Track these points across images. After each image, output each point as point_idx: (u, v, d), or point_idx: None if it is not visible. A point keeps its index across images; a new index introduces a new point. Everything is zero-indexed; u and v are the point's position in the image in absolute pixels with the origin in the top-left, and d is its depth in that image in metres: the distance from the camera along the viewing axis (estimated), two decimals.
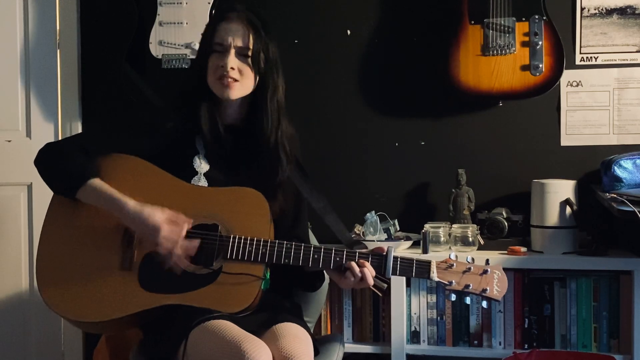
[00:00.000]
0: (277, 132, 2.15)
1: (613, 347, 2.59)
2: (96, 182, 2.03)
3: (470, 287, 1.98)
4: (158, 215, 1.97)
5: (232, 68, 2.09)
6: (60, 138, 3.19)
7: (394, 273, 2.00)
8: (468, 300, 2.01)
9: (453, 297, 2.01)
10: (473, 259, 2.03)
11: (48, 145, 2.11)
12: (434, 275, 1.99)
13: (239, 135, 2.18)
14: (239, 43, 2.10)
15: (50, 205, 2.11)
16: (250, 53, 2.11)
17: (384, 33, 3.01)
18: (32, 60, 3.20)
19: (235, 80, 2.09)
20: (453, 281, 1.99)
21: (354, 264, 1.99)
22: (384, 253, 2.01)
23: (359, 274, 1.98)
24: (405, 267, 2.00)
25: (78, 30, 3.21)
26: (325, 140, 3.04)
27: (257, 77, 2.14)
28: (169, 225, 1.97)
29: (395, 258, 2.00)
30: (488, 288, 1.99)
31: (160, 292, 1.99)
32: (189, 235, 2.00)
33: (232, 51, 2.10)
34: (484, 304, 2.01)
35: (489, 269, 2.00)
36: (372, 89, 3.03)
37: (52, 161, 2.07)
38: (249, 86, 2.13)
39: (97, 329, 2.19)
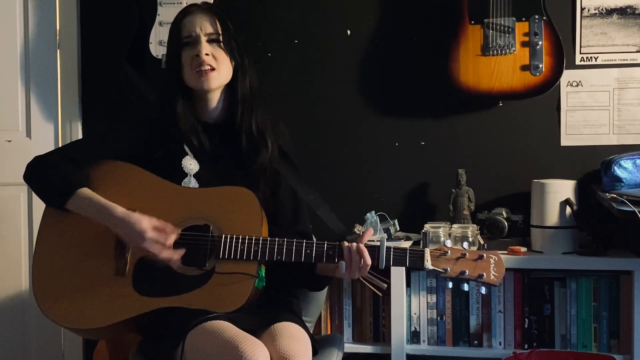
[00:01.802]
0: (251, 118, 2.16)
1: (613, 347, 2.59)
2: (84, 191, 2.03)
3: (466, 274, 1.97)
4: (145, 222, 1.97)
5: (207, 54, 2.10)
6: (60, 138, 3.20)
7: (388, 263, 1.99)
8: (466, 287, 1.99)
9: (450, 284, 2.00)
10: (469, 245, 2.01)
11: (36, 158, 2.12)
12: (428, 264, 1.97)
13: (224, 132, 2.18)
14: (208, 29, 2.13)
15: (44, 215, 2.12)
16: (221, 38, 2.13)
17: (384, 33, 3.01)
18: (32, 60, 3.20)
19: (212, 69, 2.10)
20: (448, 268, 1.98)
21: (345, 248, 1.98)
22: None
23: (357, 255, 1.97)
24: (399, 256, 1.99)
25: (78, 30, 3.21)
26: (325, 140, 3.04)
27: (233, 64, 2.15)
28: (155, 232, 1.97)
29: (389, 248, 1.99)
30: (484, 273, 1.97)
31: (155, 296, 1.99)
32: (178, 240, 2.01)
33: (203, 39, 2.12)
34: (483, 289, 2.00)
35: (484, 254, 1.99)
36: (372, 89, 3.03)
37: (40, 174, 2.08)
38: (227, 73, 2.15)
39: (96, 335, 2.20)
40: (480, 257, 1.99)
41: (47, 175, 2.06)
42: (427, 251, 1.99)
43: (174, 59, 2.16)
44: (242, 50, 2.18)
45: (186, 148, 2.14)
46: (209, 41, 2.12)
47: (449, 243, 2.02)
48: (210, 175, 2.13)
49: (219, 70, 2.12)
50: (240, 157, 2.16)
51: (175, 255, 1.99)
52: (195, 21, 2.14)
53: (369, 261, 1.98)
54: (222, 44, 2.13)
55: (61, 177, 2.04)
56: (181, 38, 2.13)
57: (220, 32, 2.13)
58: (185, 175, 2.12)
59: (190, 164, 2.14)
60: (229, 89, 2.18)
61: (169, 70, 2.20)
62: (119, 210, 2.00)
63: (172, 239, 1.99)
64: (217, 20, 2.14)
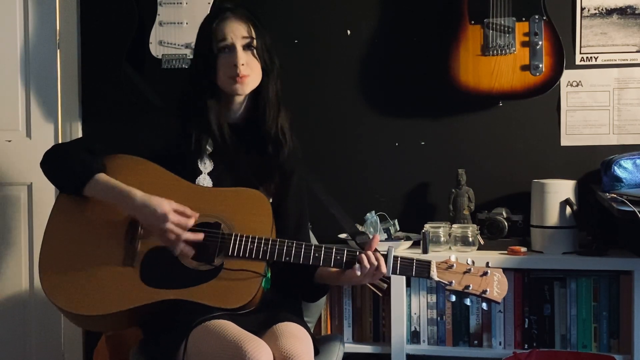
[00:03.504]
0: (277, 120, 2.19)
1: (613, 347, 2.59)
2: (102, 176, 2.05)
3: (470, 288, 1.99)
4: (165, 205, 1.99)
5: (243, 64, 2.11)
6: (60, 138, 3.19)
7: (394, 272, 2.01)
8: (468, 301, 2.01)
9: (453, 297, 2.01)
10: (473, 262, 2.03)
11: (54, 146, 2.14)
12: (434, 275, 1.99)
13: (243, 133, 2.19)
14: (243, 34, 2.13)
15: (56, 201, 2.13)
16: (254, 44, 2.14)
17: (384, 33, 3.01)
18: (32, 60, 3.20)
19: (247, 76, 2.12)
20: (453, 281, 1.99)
21: (364, 256, 1.99)
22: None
23: (375, 262, 1.99)
24: (406, 266, 2.01)
25: (78, 30, 3.21)
26: (325, 141, 3.04)
27: (262, 67, 2.16)
28: (176, 215, 1.99)
29: (396, 257, 2.01)
30: (488, 289, 1.99)
31: (161, 287, 2.00)
32: (193, 230, 2.02)
33: (239, 47, 2.12)
34: (484, 305, 2.01)
35: (489, 271, 2.01)
36: (372, 89, 3.03)
37: (58, 161, 2.09)
38: (258, 79, 2.17)
39: (96, 324, 2.19)
40: (485, 273, 2.01)
41: (65, 161, 2.07)
42: (434, 263, 2.01)
43: (207, 61, 2.14)
44: (272, 54, 2.19)
45: (203, 147, 2.15)
46: (244, 47, 2.13)
47: (454, 257, 2.03)
48: (224, 176, 2.15)
49: (252, 77, 2.13)
50: (259, 159, 2.17)
51: (198, 236, 2.00)
52: (231, 27, 2.14)
53: (384, 270, 2.00)
54: (255, 50, 2.14)
55: (79, 163, 2.05)
56: (217, 42, 2.13)
57: (254, 37, 2.14)
58: (199, 173, 2.14)
59: (206, 164, 2.15)
60: (255, 92, 2.19)
61: (200, 72, 2.17)
62: (139, 194, 2.01)
63: (192, 221, 2.01)
64: (251, 26, 2.15)
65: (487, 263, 2.04)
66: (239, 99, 2.18)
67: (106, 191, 2.04)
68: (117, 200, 2.03)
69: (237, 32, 2.13)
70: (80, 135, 3.18)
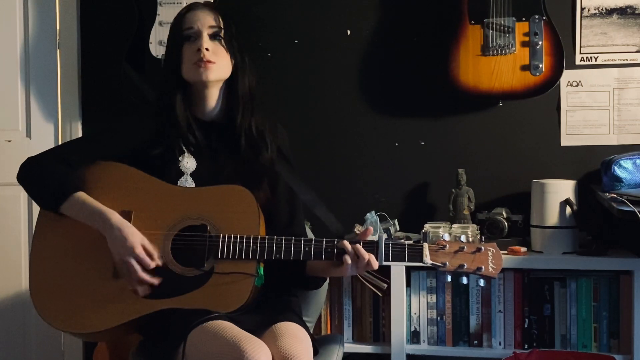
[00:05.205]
0: (250, 118, 2.16)
1: (613, 347, 2.59)
2: (79, 195, 2.02)
3: (465, 267, 1.97)
4: (137, 238, 1.97)
5: (207, 49, 2.09)
6: (60, 138, 3.20)
7: (387, 259, 1.98)
8: (465, 280, 2.00)
9: (449, 278, 2.00)
10: (467, 239, 2.01)
11: (29, 159, 2.10)
12: (427, 259, 1.97)
13: (221, 132, 2.17)
14: (211, 23, 2.13)
15: (39, 217, 2.10)
16: (222, 34, 2.13)
17: (384, 33, 3.01)
18: (32, 60, 3.20)
19: (212, 62, 2.10)
20: (446, 262, 1.97)
21: (346, 243, 1.98)
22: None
23: (352, 250, 1.97)
24: (398, 252, 1.98)
25: (78, 30, 3.21)
26: (325, 141, 3.04)
27: (233, 62, 2.15)
28: (142, 252, 1.96)
29: (387, 244, 1.99)
30: (483, 266, 1.97)
31: (154, 298, 1.98)
32: (175, 240, 2.01)
33: (205, 34, 2.12)
34: (481, 282, 1.99)
35: (482, 247, 1.99)
36: (372, 89, 3.03)
37: (33, 177, 2.06)
38: (226, 69, 2.14)
39: (96, 338, 2.20)
40: (478, 249, 1.99)
41: (41, 178, 2.04)
42: (426, 246, 1.99)
43: (174, 53, 2.15)
44: (242, 51, 2.18)
45: (184, 146, 2.13)
46: (211, 36, 2.12)
47: (447, 237, 2.02)
48: (207, 174, 2.12)
49: (218, 64, 2.11)
50: (239, 156, 2.15)
51: (154, 282, 1.97)
52: (198, 16, 2.14)
53: (375, 264, 1.98)
54: (223, 40, 2.13)
55: (55, 180, 2.02)
56: (182, 31, 2.13)
57: (222, 27, 2.13)
58: (181, 174, 2.11)
59: (187, 163, 2.12)
60: (228, 87, 2.18)
61: (167, 65, 2.19)
62: (115, 218, 1.99)
63: (154, 264, 1.98)
64: (220, 17, 2.15)
65: (481, 238, 2.02)
66: (211, 92, 2.15)
67: (81, 212, 2.01)
68: (91, 222, 2.00)
69: (204, 20, 2.12)
70: (80, 135, 3.18)
